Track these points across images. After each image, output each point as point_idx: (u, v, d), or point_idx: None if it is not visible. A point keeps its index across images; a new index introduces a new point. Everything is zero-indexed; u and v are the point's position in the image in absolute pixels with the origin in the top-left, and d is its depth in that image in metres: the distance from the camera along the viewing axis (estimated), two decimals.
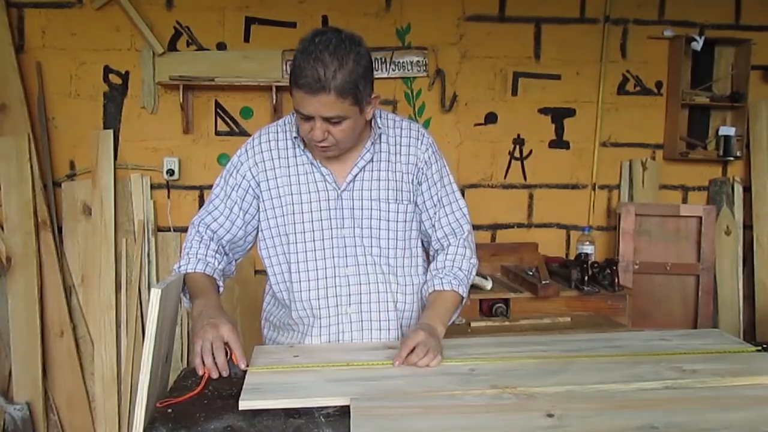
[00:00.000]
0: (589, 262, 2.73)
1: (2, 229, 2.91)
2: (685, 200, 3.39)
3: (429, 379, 1.22)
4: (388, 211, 1.51)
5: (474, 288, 2.56)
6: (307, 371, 1.27)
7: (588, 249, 2.94)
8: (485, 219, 3.28)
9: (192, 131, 3.08)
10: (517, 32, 3.20)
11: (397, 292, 1.54)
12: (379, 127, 1.51)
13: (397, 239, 1.52)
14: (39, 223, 2.93)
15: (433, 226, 1.57)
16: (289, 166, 1.51)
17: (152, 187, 3.08)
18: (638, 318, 3.00)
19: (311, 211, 1.49)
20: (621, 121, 3.31)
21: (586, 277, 2.65)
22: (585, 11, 3.23)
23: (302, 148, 1.50)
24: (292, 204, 1.50)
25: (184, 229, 2.99)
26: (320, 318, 1.51)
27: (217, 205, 1.53)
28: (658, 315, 3.19)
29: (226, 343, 1.26)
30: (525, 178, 3.29)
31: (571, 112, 3.28)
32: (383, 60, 3.11)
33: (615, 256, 3.12)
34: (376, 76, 3.12)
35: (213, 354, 1.24)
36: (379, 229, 1.51)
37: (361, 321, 1.51)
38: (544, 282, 2.55)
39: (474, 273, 1.59)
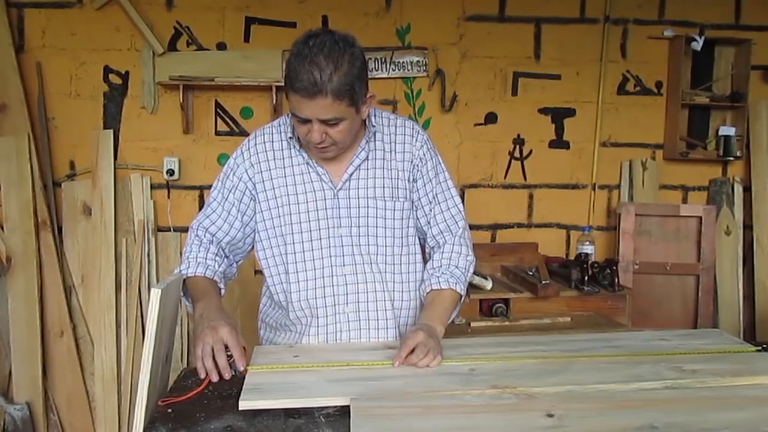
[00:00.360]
0: (589, 262, 2.72)
1: (2, 229, 2.91)
2: (685, 200, 3.39)
3: (429, 379, 1.22)
4: (385, 209, 1.51)
5: (474, 288, 2.57)
6: (307, 371, 1.27)
7: (588, 249, 2.94)
8: (485, 219, 3.28)
9: (192, 131, 3.08)
10: (517, 32, 3.20)
11: (394, 291, 1.54)
12: (374, 126, 1.51)
13: (393, 237, 1.52)
14: (39, 223, 2.93)
15: (429, 223, 1.57)
16: (284, 167, 1.51)
17: (152, 187, 3.08)
18: (638, 318, 3.00)
19: (308, 211, 1.49)
20: (621, 121, 3.31)
21: (586, 277, 2.65)
22: (585, 11, 3.23)
23: (298, 148, 1.50)
24: (289, 204, 1.50)
25: (184, 229, 3.00)
26: (318, 318, 1.51)
27: (215, 209, 1.53)
28: (658, 315, 3.19)
29: (226, 346, 1.26)
30: (525, 178, 3.29)
31: (571, 112, 3.28)
32: (383, 60, 3.11)
33: (615, 256, 3.12)
34: (376, 76, 3.17)
35: (214, 357, 1.24)
36: (376, 227, 1.51)
37: (359, 320, 1.52)
38: (544, 282, 2.55)
39: (471, 270, 1.58)
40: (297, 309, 1.52)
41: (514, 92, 3.23)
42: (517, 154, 3.27)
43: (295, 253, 1.50)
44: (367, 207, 1.50)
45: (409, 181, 1.54)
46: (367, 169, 1.51)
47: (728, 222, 3.33)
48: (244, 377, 1.22)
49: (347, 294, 1.51)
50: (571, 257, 3.17)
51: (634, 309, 2.83)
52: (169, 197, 3.10)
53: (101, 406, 2.96)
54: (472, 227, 3.25)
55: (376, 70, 3.11)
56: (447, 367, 1.28)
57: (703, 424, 1.02)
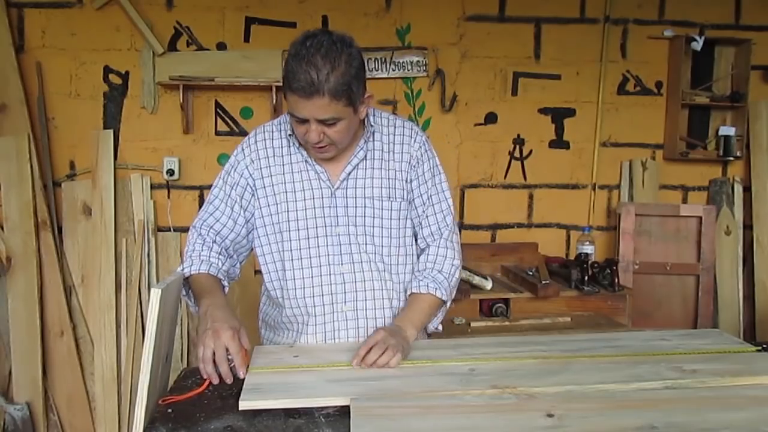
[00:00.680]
0: (589, 262, 2.72)
1: (2, 229, 2.91)
2: (685, 200, 3.39)
3: (429, 379, 1.22)
4: (382, 209, 1.51)
5: (474, 288, 2.57)
6: (307, 371, 1.27)
7: (588, 249, 2.94)
8: (485, 219, 3.28)
9: (192, 131, 3.08)
10: (517, 32, 3.20)
11: (392, 290, 1.54)
12: (372, 126, 1.52)
13: (390, 237, 1.52)
14: (39, 223, 2.93)
15: (420, 224, 1.57)
16: (283, 164, 1.52)
17: (152, 187, 3.08)
18: (638, 318, 3.00)
19: (305, 209, 1.50)
20: (621, 121, 3.30)
21: (586, 277, 2.65)
22: (585, 11, 3.23)
23: (297, 146, 1.51)
24: (287, 202, 1.50)
25: (185, 229, 3.00)
26: (315, 316, 1.51)
27: (218, 206, 1.53)
28: (658, 315, 3.19)
29: (228, 350, 1.26)
30: (525, 178, 3.29)
31: (571, 112, 3.28)
32: (383, 60, 3.11)
33: (615, 256, 3.12)
34: (376, 76, 3.16)
35: (215, 362, 1.24)
36: (373, 227, 1.51)
37: (357, 319, 1.52)
38: (544, 282, 2.55)
39: (457, 274, 1.57)
40: (294, 306, 1.53)
41: (514, 92, 3.23)
42: (517, 154, 3.27)
43: (291, 250, 1.51)
44: (365, 207, 1.50)
45: (406, 181, 1.54)
46: (365, 168, 1.51)
47: (728, 222, 3.33)
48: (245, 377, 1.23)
49: (345, 293, 1.51)
50: (571, 257, 3.17)
51: (634, 309, 2.83)
52: (169, 197, 3.10)
53: (101, 406, 2.96)
54: (472, 227, 3.30)
55: (376, 70, 3.11)
56: (447, 367, 1.29)
57: (703, 424, 1.02)
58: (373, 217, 1.51)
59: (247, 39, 3.05)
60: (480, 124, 3.23)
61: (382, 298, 1.53)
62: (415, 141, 1.55)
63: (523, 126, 3.25)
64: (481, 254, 3.00)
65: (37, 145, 2.96)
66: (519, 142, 3.26)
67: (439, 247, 1.55)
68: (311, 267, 1.50)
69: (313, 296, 1.51)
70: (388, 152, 1.53)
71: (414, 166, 1.54)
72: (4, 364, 2.93)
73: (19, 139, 2.90)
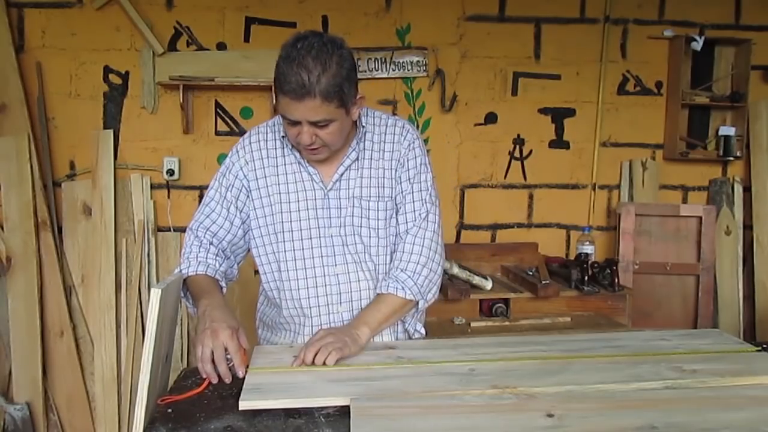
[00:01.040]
0: (589, 262, 2.72)
1: (2, 229, 2.91)
2: (685, 200, 3.39)
3: (429, 379, 1.22)
4: (369, 209, 1.51)
5: (474, 288, 2.57)
6: (307, 371, 1.27)
7: (588, 249, 2.94)
8: (485, 219, 3.28)
9: (192, 131, 3.08)
10: (517, 32, 3.20)
11: None
12: (364, 126, 1.51)
13: (378, 236, 1.52)
14: (39, 223, 2.93)
15: (397, 220, 1.54)
16: (277, 165, 1.52)
17: (152, 187, 3.08)
18: (638, 318, 3.00)
19: (299, 210, 1.50)
20: (621, 121, 3.30)
21: (586, 277, 2.65)
22: (585, 11, 3.23)
23: (290, 147, 1.51)
24: (281, 203, 1.50)
25: (185, 229, 2.98)
26: (311, 317, 1.52)
27: (214, 207, 1.53)
28: (658, 315, 3.19)
29: (226, 349, 1.26)
30: (525, 178, 3.29)
31: (571, 112, 3.28)
32: (383, 60, 3.11)
33: (615, 256, 3.12)
34: (376, 76, 3.16)
35: (213, 361, 1.24)
36: (361, 226, 1.50)
37: (352, 319, 1.51)
38: (544, 282, 2.55)
39: (424, 273, 1.50)
40: (290, 307, 1.53)
41: (514, 92, 3.23)
42: (517, 154, 3.27)
43: (286, 251, 1.51)
44: (359, 207, 1.50)
45: (395, 180, 1.53)
46: (358, 168, 1.51)
47: (728, 222, 3.33)
48: (245, 377, 1.22)
49: (340, 293, 1.51)
50: (571, 257, 3.17)
51: (634, 309, 2.83)
52: (169, 197, 3.10)
53: (101, 406, 2.96)
54: (472, 227, 3.30)
55: (376, 70, 3.11)
56: (447, 367, 1.28)
57: (703, 424, 1.02)
58: (361, 217, 1.50)
59: (247, 39, 3.05)
60: (480, 124, 3.23)
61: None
62: (404, 139, 1.53)
63: (523, 126, 3.25)
64: (481, 254, 3.00)
65: (37, 145, 2.96)
66: (519, 142, 3.26)
67: (405, 243, 1.52)
68: (306, 268, 1.50)
69: (309, 297, 1.51)
70: (379, 151, 1.52)
71: (402, 164, 1.53)
72: (4, 364, 2.93)
73: (19, 139, 2.90)
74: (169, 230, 3.10)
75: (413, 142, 1.54)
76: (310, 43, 1.30)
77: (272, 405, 1.12)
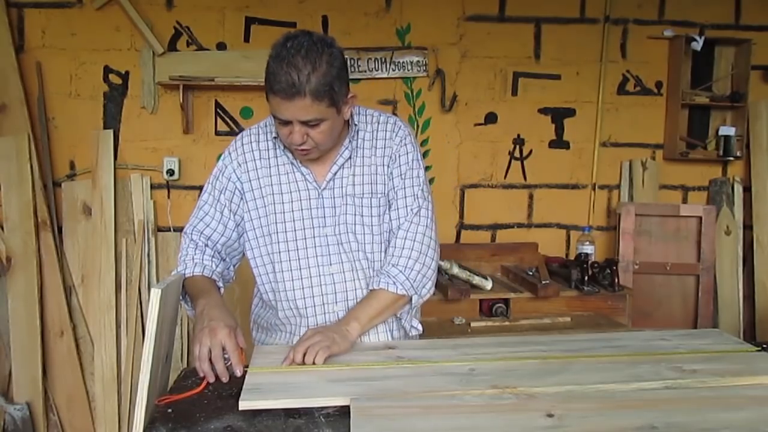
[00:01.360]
0: (589, 262, 2.72)
1: (2, 229, 2.91)
2: (685, 200, 3.39)
3: (429, 379, 1.22)
4: (362, 206, 1.50)
5: (474, 288, 2.57)
6: (307, 371, 1.27)
7: (588, 249, 2.94)
8: (485, 219, 3.28)
9: (192, 131, 3.08)
10: (517, 32, 3.20)
11: None
12: (356, 125, 1.51)
13: (372, 234, 1.51)
14: (39, 223, 2.93)
15: (390, 216, 1.53)
16: (270, 167, 1.51)
17: (152, 187, 3.08)
18: (638, 318, 3.00)
19: (293, 211, 1.49)
20: (621, 121, 3.31)
21: (586, 277, 2.65)
22: (585, 11, 3.23)
23: (282, 148, 1.50)
24: (274, 204, 1.50)
25: None
26: (307, 318, 1.51)
27: (207, 211, 1.53)
28: (658, 315, 3.19)
29: (224, 348, 1.26)
30: (525, 178, 3.29)
31: (571, 112, 3.28)
32: (383, 60, 3.11)
33: (615, 256, 3.12)
34: (376, 76, 3.16)
35: (211, 360, 1.24)
36: (355, 224, 1.50)
37: (344, 316, 1.50)
38: (544, 282, 2.55)
39: (416, 267, 1.49)
40: (286, 308, 1.53)
41: (514, 92, 3.23)
42: (517, 154, 3.27)
43: (280, 252, 1.50)
44: (351, 205, 1.50)
45: (387, 176, 1.52)
46: (351, 167, 1.51)
47: (728, 222, 3.34)
48: (245, 377, 1.22)
49: (336, 293, 1.50)
50: (571, 257, 3.17)
51: (634, 309, 2.83)
52: (169, 197, 3.10)
53: (101, 406, 2.96)
54: (472, 227, 3.30)
55: (376, 70, 3.11)
56: (447, 367, 1.28)
57: (703, 424, 1.02)
58: (355, 215, 1.50)
59: (247, 39, 3.05)
60: (480, 124, 3.23)
61: None
62: (396, 135, 1.53)
63: (523, 126, 3.25)
64: (481, 254, 3.00)
65: (37, 145, 2.96)
66: (519, 142, 3.26)
67: (397, 239, 1.51)
68: (301, 269, 1.50)
69: (304, 297, 1.51)
70: (371, 148, 1.52)
71: (394, 160, 1.52)
72: (4, 364, 2.93)
73: (19, 139, 2.90)
74: (169, 230, 3.10)
75: (405, 138, 1.53)
76: (300, 42, 1.29)
77: (272, 405, 1.12)
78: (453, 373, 1.25)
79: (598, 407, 1.09)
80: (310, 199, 1.50)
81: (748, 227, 3.37)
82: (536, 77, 3.23)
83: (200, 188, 3.08)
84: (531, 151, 3.28)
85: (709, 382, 1.20)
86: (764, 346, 1.42)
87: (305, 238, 1.49)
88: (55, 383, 2.97)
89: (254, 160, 1.52)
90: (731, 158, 3.24)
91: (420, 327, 1.63)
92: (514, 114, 3.24)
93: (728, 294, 3.32)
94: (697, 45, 3.15)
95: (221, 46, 3.05)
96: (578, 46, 3.22)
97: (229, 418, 1.10)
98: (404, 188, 1.52)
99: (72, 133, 3.03)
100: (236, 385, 1.20)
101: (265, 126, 1.55)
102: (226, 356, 1.25)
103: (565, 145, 3.30)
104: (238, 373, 1.24)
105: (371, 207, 1.51)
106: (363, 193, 1.50)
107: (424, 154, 3.18)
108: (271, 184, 1.51)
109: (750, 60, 3.22)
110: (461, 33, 3.17)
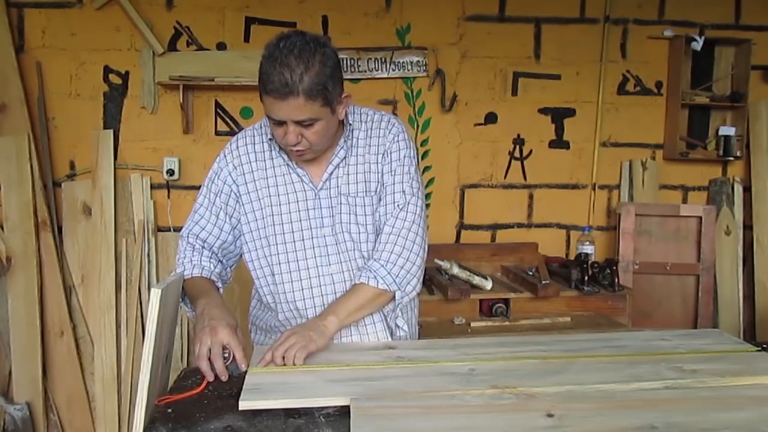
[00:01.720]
0: (589, 262, 2.72)
1: (2, 229, 2.91)
2: (685, 200, 3.39)
3: (429, 379, 1.22)
4: (362, 205, 1.50)
5: (474, 288, 2.57)
6: (307, 371, 1.27)
7: (588, 249, 2.94)
8: (485, 219, 3.28)
9: (192, 131, 3.08)
10: (517, 32, 3.20)
11: None
12: (351, 124, 1.51)
13: (367, 232, 1.51)
14: (39, 223, 2.93)
15: (378, 211, 1.53)
16: (266, 168, 1.51)
17: (152, 187, 3.08)
18: (638, 318, 3.00)
19: (290, 212, 1.49)
20: (621, 121, 3.31)
21: (586, 277, 2.65)
22: (585, 11, 3.23)
23: (278, 150, 1.50)
24: (271, 206, 1.50)
25: None
26: (307, 318, 1.51)
27: (203, 214, 1.53)
28: (658, 315, 3.19)
29: (225, 347, 1.26)
30: (525, 178, 3.29)
31: (571, 112, 3.28)
32: (383, 60, 3.11)
33: (615, 256, 3.12)
34: (376, 76, 3.17)
35: (211, 359, 1.24)
36: (350, 223, 1.50)
37: (322, 311, 1.49)
38: (544, 282, 2.55)
39: (400, 263, 1.47)
40: (286, 310, 1.53)
41: (514, 92, 3.23)
42: (517, 154, 3.27)
43: (278, 254, 1.50)
44: (346, 204, 1.50)
45: (381, 173, 1.52)
46: (347, 166, 1.51)
47: (728, 222, 3.33)
48: (244, 377, 1.22)
49: (335, 293, 1.50)
50: (571, 257, 3.17)
51: (634, 309, 2.83)
52: (169, 197, 3.10)
53: (101, 406, 2.96)
54: (472, 227, 3.30)
55: (376, 70, 3.11)
56: (447, 367, 1.28)
57: (703, 424, 1.02)
58: (349, 214, 1.50)
59: (247, 39, 3.05)
60: (480, 124, 3.23)
61: None
62: (390, 132, 1.52)
63: (523, 126, 3.25)
64: (481, 254, 3.00)
65: (37, 145, 2.96)
66: (519, 142, 3.26)
67: (382, 234, 1.50)
68: (299, 270, 1.50)
69: (304, 298, 1.50)
70: (365, 146, 1.52)
71: (385, 157, 1.51)
72: (4, 364, 2.93)
73: (19, 139, 2.90)
74: (169, 230, 3.10)
75: (398, 135, 1.52)
76: (293, 42, 1.29)
77: (272, 405, 1.12)
78: (453, 373, 1.25)
79: (598, 407, 1.09)
80: (306, 200, 1.49)
81: (748, 227, 3.37)
82: (536, 77, 3.22)
83: (200, 188, 3.09)
84: (531, 151, 3.28)
85: (709, 382, 1.20)
86: (764, 346, 1.42)
87: (303, 240, 1.49)
88: (55, 383, 2.97)
89: (250, 162, 1.52)
90: (731, 158, 3.24)
91: (407, 328, 1.59)
92: (514, 114, 3.24)
93: (728, 294, 3.32)
94: (697, 45, 3.15)
95: (221, 46, 3.05)
96: (578, 46, 3.22)
97: (229, 418, 1.10)
98: (393, 184, 1.51)
99: (72, 133, 3.03)
100: (236, 385, 1.20)
101: (261, 128, 1.55)
102: (225, 355, 1.25)
103: (565, 145, 3.30)
104: (244, 367, 1.24)
105: (365, 206, 1.50)
106: (357, 192, 1.50)
107: (424, 154, 3.19)
108: (268, 186, 1.50)
109: (750, 60, 3.22)
110: (461, 33, 3.17)
